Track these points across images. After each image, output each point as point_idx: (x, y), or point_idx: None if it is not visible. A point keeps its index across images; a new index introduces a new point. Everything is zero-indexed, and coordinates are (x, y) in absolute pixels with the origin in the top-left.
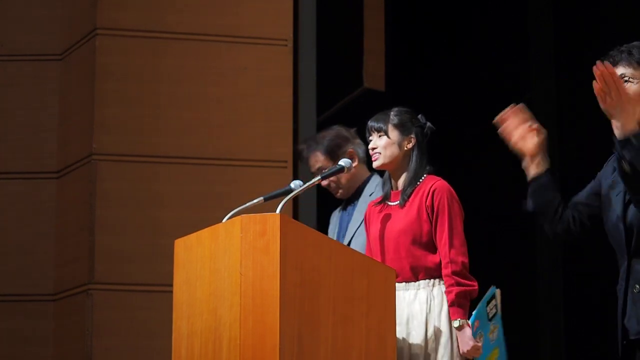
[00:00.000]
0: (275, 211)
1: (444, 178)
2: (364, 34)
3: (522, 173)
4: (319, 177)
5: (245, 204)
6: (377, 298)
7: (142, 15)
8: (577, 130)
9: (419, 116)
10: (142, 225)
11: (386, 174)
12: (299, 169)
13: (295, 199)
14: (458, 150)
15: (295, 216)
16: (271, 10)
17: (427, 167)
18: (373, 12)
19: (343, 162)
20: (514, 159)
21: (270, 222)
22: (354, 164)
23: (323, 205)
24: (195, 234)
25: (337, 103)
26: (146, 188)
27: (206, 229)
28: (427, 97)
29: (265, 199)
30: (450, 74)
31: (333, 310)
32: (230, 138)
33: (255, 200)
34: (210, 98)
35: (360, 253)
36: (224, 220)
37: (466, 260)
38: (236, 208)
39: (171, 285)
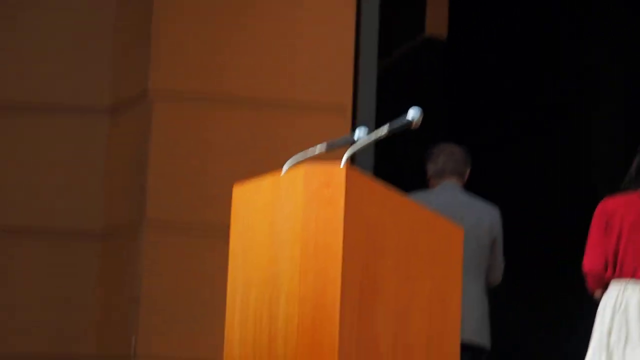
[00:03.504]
0: (336, 160)
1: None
2: None
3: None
4: (386, 130)
5: (303, 150)
6: (443, 258)
7: None
8: None
9: None
10: (195, 168)
11: None
12: (357, 116)
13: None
14: (522, 114)
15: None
16: None
17: None
18: None
19: (411, 114)
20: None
21: (336, 174)
22: None
23: (380, 155)
24: (254, 181)
25: (398, 49)
26: (201, 129)
27: (268, 177)
28: (488, 50)
29: (327, 148)
30: (516, 30)
31: (396, 268)
32: (287, 81)
33: (316, 149)
34: (269, 37)
35: (427, 209)
36: (284, 168)
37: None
38: (293, 154)
39: (226, 233)
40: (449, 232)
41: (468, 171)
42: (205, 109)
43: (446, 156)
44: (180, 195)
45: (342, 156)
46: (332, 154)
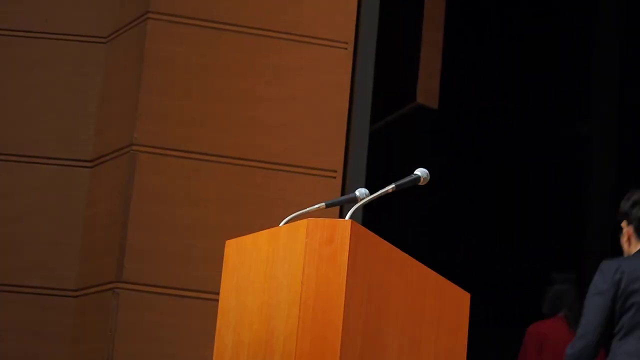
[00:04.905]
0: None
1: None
2: (422, 47)
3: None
4: (392, 186)
5: (296, 210)
6: (449, 323)
7: (199, 2)
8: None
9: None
10: (178, 225)
11: None
12: (347, 181)
13: (340, 209)
14: (514, 175)
15: None
16: (334, 11)
17: None
18: (432, 25)
19: (419, 171)
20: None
21: (340, 229)
22: None
23: (369, 216)
24: (251, 235)
25: (389, 115)
26: (186, 185)
27: (265, 231)
28: (480, 119)
29: (327, 205)
30: (509, 96)
31: (400, 332)
32: (279, 141)
33: (316, 206)
34: (261, 96)
35: (434, 272)
36: (281, 224)
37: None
38: (284, 215)
39: (205, 291)
40: (456, 296)
41: None
42: (194, 160)
43: None
44: (164, 251)
45: (337, 218)
46: (327, 215)
